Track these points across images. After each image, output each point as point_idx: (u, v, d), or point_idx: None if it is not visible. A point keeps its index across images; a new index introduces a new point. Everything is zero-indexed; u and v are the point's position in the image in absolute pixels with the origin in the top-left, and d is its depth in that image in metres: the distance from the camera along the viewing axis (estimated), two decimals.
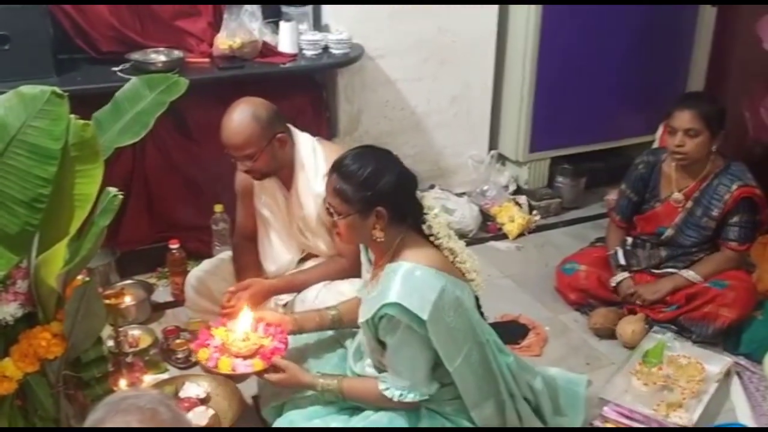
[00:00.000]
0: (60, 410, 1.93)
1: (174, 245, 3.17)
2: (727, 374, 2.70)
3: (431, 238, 2.07)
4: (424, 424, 2.11)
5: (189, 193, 3.44)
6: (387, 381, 2.05)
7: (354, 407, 2.16)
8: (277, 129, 2.49)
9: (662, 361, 2.73)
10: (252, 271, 2.75)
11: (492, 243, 3.72)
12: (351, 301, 2.36)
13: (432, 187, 3.91)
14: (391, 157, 2.05)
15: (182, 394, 2.52)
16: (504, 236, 3.77)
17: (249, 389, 2.62)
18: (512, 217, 3.78)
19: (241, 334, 2.19)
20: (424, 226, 2.07)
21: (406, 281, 1.96)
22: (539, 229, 3.86)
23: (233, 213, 3.21)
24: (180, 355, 2.78)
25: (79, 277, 1.83)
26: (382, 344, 2.03)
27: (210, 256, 3.20)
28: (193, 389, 2.54)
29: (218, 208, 3.27)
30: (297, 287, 2.68)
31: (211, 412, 2.41)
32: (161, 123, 3.12)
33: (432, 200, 2.14)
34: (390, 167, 1.99)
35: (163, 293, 3.26)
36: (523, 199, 3.91)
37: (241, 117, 2.42)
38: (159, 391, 1.55)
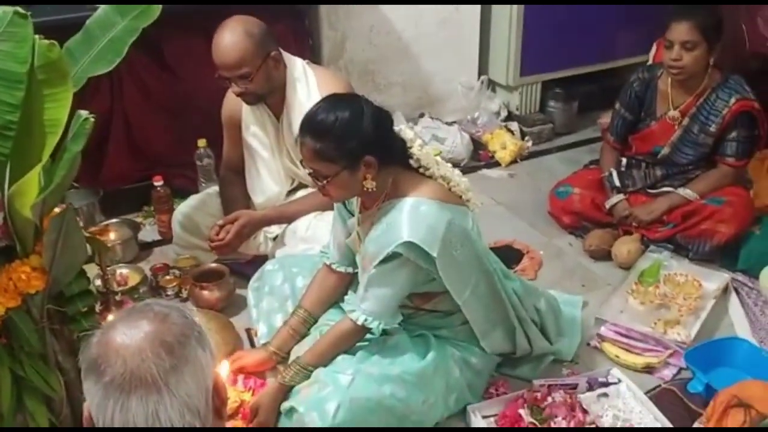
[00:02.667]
0: (46, 346, 1.88)
1: (158, 182, 3.09)
2: (725, 290, 2.67)
3: (421, 170, 2.01)
4: (433, 350, 2.08)
5: (170, 128, 3.35)
6: (352, 304, 2.02)
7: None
8: (271, 47, 2.42)
9: (659, 280, 2.70)
10: (239, 204, 2.70)
11: (484, 171, 3.66)
12: (314, 285, 2.29)
13: (422, 115, 3.82)
14: (359, 99, 1.95)
15: None
16: (496, 164, 3.70)
17: (241, 322, 2.59)
18: (504, 144, 3.70)
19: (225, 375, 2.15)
20: (411, 161, 2.01)
21: (413, 217, 1.90)
22: (532, 155, 3.79)
23: (217, 148, 3.15)
24: (170, 292, 2.74)
25: (57, 209, 1.75)
26: None
27: (196, 192, 3.15)
28: None
29: (201, 143, 3.19)
30: (288, 218, 2.63)
31: None
32: (137, 57, 3.08)
33: (411, 133, 2.06)
34: (363, 110, 1.89)
35: (150, 232, 3.20)
36: (514, 125, 3.83)
37: (234, 34, 2.35)
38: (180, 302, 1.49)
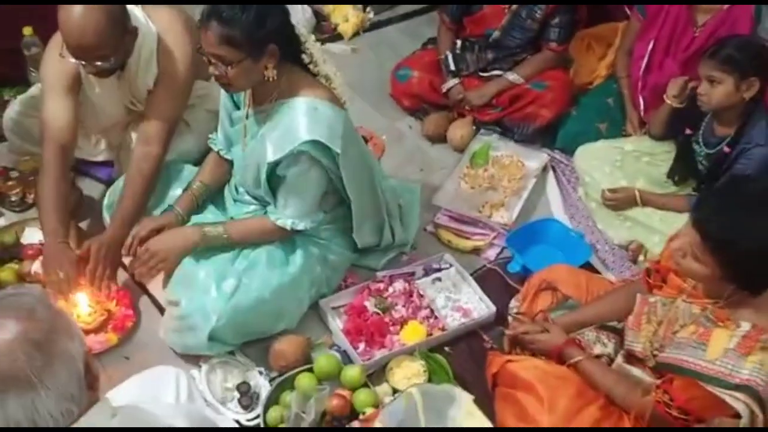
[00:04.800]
0: None
1: None
2: (545, 170, 2.98)
3: (310, 66, 2.09)
4: (299, 251, 2.26)
5: None
6: (277, 212, 2.15)
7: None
8: (127, 20, 2.23)
9: (488, 161, 2.97)
10: (61, 212, 2.33)
11: (327, 46, 3.64)
12: (207, 165, 2.38)
13: None
14: None
15: (24, 240, 2.51)
16: (339, 37, 3.73)
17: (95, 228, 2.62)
18: (346, 16, 3.72)
19: (86, 309, 2.20)
20: (305, 56, 2.07)
21: (312, 117, 2.01)
22: (373, 27, 3.83)
23: (44, 35, 3.00)
24: (14, 198, 2.69)
25: None
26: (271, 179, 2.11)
27: (26, 81, 3.02)
28: (36, 234, 2.51)
29: (27, 31, 3.00)
30: (134, 218, 2.38)
31: None
32: None
33: (305, 30, 2.12)
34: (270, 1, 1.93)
35: None
36: None
37: (90, 11, 2.11)
38: (41, 289, 1.53)
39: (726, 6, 2.79)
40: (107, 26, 2.15)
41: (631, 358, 1.92)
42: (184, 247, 2.21)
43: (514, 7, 3.03)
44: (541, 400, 1.85)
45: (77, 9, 2.13)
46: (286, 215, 2.16)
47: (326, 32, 3.74)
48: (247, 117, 2.19)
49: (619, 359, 1.95)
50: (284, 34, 2.02)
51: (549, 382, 1.88)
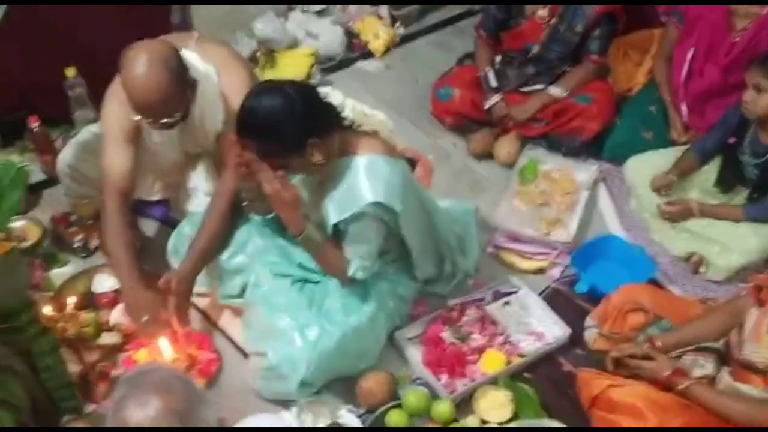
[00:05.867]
0: None
1: (34, 124, 2.92)
2: (595, 183, 3.01)
3: (353, 127, 2.11)
4: (371, 290, 2.30)
5: (31, 57, 3.10)
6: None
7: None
8: (186, 74, 2.23)
9: (537, 176, 3.00)
10: (132, 258, 2.36)
11: (360, 64, 3.69)
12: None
13: (292, 8, 3.73)
14: (282, 86, 1.99)
15: (96, 289, 2.52)
16: (370, 54, 3.74)
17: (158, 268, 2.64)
18: (377, 33, 3.73)
19: (171, 356, 2.23)
20: (345, 122, 2.09)
21: (371, 176, 2.05)
22: (403, 41, 3.85)
23: (89, 74, 3.01)
24: (77, 245, 2.71)
25: None
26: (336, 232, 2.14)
27: (69, 121, 3.05)
28: (106, 282, 2.53)
29: (70, 72, 3.01)
30: (210, 254, 2.42)
31: None
32: None
33: (339, 95, 2.13)
34: (291, 96, 1.94)
35: (33, 172, 3.04)
36: (384, 10, 3.84)
37: (153, 71, 2.11)
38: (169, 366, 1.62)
39: (765, 11, 2.82)
40: (170, 85, 2.16)
41: (741, 373, 1.96)
42: (287, 218, 2.14)
43: (553, 21, 3.05)
44: (649, 428, 1.89)
45: (140, 70, 2.13)
46: (353, 266, 2.18)
47: (357, 50, 3.75)
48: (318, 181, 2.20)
49: (727, 378, 1.99)
50: (317, 122, 2.00)
51: (658, 409, 1.92)
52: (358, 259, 2.17)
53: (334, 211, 2.09)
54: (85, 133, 2.75)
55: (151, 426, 1.26)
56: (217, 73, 2.35)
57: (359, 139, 2.12)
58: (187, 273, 2.33)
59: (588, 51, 3.09)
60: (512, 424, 2.06)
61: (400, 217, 2.12)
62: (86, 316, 2.41)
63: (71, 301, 2.38)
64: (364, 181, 2.05)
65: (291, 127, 1.94)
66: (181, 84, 2.19)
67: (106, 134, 2.42)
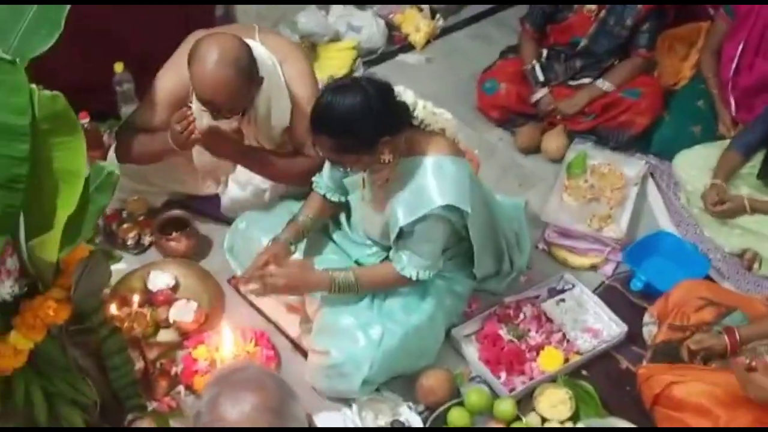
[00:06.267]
0: (68, 357, 1.93)
1: (84, 120, 2.92)
2: (644, 178, 3.00)
3: (421, 126, 2.10)
4: (430, 288, 2.29)
5: (79, 52, 3.10)
6: (402, 262, 2.16)
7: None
8: (255, 71, 2.24)
9: (585, 170, 2.98)
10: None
11: (401, 57, 3.68)
12: (312, 202, 2.39)
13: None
14: (360, 82, 1.99)
15: (151, 286, 2.54)
16: (411, 47, 3.73)
17: (213, 266, 2.65)
18: (417, 26, 3.71)
19: (230, 353, 2.24)
20: (415, 121, 2.09)
21: (440, 178, 2.05)
22: (442, 33, 3.82)
23: (135, 69, 3.02)
24: (130, 242, 2.72)
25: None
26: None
27: (116, 116, 3.05)
28: (161, 279, 2.55)
29: (119, 67, 3.03)
30: (255, 168, 2.51)
31: (193, 304, 2.46)
32: None
33: (411, 94, 2.12)
34: (369, 93, 1.94)
35: None
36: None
37: (222, 68, 2.13)
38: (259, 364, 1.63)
39: None
40: (238, 84, 2.17)
41: None
42: (311, 290, 2.25)
43: (602, 14, 3.02)
44: (718, 424, 1.89)
45: (211, 65, 2.14)
46: (412, 266, 2.16)
47: (397, 43, 3.74)
48: (377, 181, 2.19)
49: None
50: (391, 121, 2.01)
51: (725, 405, 1.92)
52: (419, 259, 2.16)
53: (403, 213, 2.09)
54: None
55: (248, 424, 1.26)
56: (280, 64, 2.36)
57: (427, 139, 2.11)
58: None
59: (636, 45, 3.07)
60: (580, 424, 2.06)
61: (468, 218, 2.12)
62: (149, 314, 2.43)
63: (136, 299, 2.39)
64: (433, 183, 2.05)
65: (367, 125, 1.94)
66: (248, 82, 2.21)
67: (152, 94, 2.45)
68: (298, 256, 2.36)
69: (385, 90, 2.01)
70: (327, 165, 2.35)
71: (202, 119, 2.41)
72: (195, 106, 2.34)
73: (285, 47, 2.43)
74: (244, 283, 2.26)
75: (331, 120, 1.94)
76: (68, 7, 1.92)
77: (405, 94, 2.10)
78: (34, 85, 1.53)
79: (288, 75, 2.37)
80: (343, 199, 2.39)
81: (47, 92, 1.53)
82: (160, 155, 2.46)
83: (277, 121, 2.39)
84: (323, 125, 1.96)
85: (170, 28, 2.77)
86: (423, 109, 2.12)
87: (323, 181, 2.37)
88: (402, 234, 2.14)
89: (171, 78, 2.42)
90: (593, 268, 2.69)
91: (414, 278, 2.16)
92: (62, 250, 1.61)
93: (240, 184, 2.66)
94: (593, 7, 3.03)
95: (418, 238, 2.12)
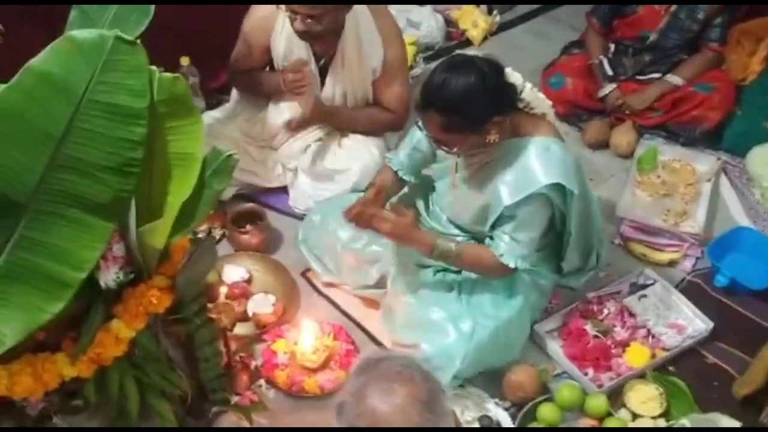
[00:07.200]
0: (159, 345, 1.90)
1: None
2: (717, 174, 2.95)
3: (526, 109, 2.07)
4: (516, 281, 2.24)
5: (147, 45, 3.09)
6: (501, 248, 2.10)
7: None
8: None
9: (656, 166, 2.93)
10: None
11: (460, 53, 3.64)
12: (385, 175, 2.38)
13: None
14: (474, 61, 1.95)
15: (226, 278, 2.51)
16: (468, 42, 3.70)
17: (286, 260, 2.62)
18: (475, 21, 3.68)
19: (310, 347, 2.22)
20: (521, 104, 2.05)
21: (546, 158, 2.00)
22: (499, 29, 3.79)
23: (201, 65, 3.00)
24: (201, 235, 2.66)
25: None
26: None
27: None
28: (235, 272, 2.52)
29: (185, 60, 3.00)
30: (339, 121, 2.66)
31: (271, 297, 2.43)
32: None
33: (518, 76, 2.08)
34: (483, 72, 1.90)
35: None
36: None
37: None
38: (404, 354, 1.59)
39: None
40: None
41: None
42: (410, 244, 2.15)
43: (673, 8, 2.98)
44: None
45: None
46: (514, 254, 2.10)
47: (455, 38, 3.71)
48: (458, 155, 2.15)
49: None
50: (502, 101, 1.98)
51: None
52: (518, 246, 2.09)
53: (508, 192, 2.03)
54: (206, 117, 2.75)
55: (400, 418, 1.23)
56: (372, 14, 2.46)
57: (532, 121, 2.08)
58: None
59: (707, 39, 3.02)
60: (681, 423, 2.01)
61: (573, 201, 2.07)
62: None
63: (223, 290, 2.37)
64: (538, 164, 2.01)
65: (481, 103, 1.91)
66: None
67: (243, 44, 2.63)
68: None
69: (498, 69, 1.97)
70: (407, 142, 2.33)
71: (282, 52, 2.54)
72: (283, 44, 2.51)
73: (380, 7, 2.56)
74: (348, 213, 2.19)
75: (446, 97, 1.90)
76: None
77: (513, 75, 2.06)
78: (154, 67, 1.50)
79: (380, 26, 2.48)
80: (413, 179, 2.36)
81: (168, 74, 1.50)
82: (275, 93, 2.64)
83: (368, 59, 2.47)
84: (437, 102, 1.92)
85: (235, 23, 2.76)
86: (529, 91, 2.08)
87: (398, 158, 2.34)
88: (501, 219, 2.09)
89: (257, 16, 2.56)
90: (672, 263, 2.64)
91: (512, 266, 2.11)
92: (173, 236, 1.58)
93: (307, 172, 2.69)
94: None
95: (519, 224, 2.06)
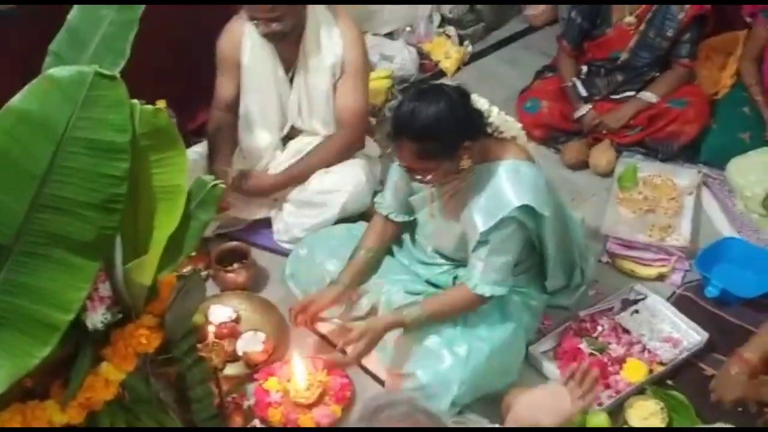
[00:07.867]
0: (150, 387, 1.85)
1: None
2: (698, 187, 2.97)
3: (495, 134, 2.07)
4: (508, 304, 2.23)
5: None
6: (474, 278, 2.09)
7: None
8: None
9: (637, 183, 2.95)
10: (224, 154, 2.71)
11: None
12: (373, 230, 2.35)
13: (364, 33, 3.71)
14: (441, 88, 1.97)
15: (213, 319, 2.46)
16: (441, 73, 3.73)
17: (271, 296, 2.58)
18: (447, 53, 3.72)
19: (303, 383, 2.19)
20: (489, 128, 2.06)
21: (516, 180, 2.00)
22: (472, 59, 3.83)
23: (178, 106, 2.99)
24: (185, 274, 2.64)
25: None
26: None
27: None
28: (222, 312, 2.48)
29: (161, 103, 2.95)
30: (297, 178, 2.66)
31: (261, 335, 2.39)
32: None
33: (485, 101, 2.08)
34: (451, 99, 1.91)
35: None
36: (451, 30, 3.83)
37: None
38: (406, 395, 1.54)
39: None
40: None
41: None
42: (380, 338, 2.14)
43: (642, 27, 3.03)
44: None
45: None
46: (486, 281, 2.09)
47: (428, 70, 3.73)
48: (432, 184, 2.14)
49: None
50: (471, 126, 1.99)
51: None
52: (492, 272, 2.08)
53: (481, 219, 2.03)
54: (190, 153, 2.72)
55: None
56: (333, 13, 2.55)
57: (501, 145, 2.08)
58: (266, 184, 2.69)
59: (678, 56, 3.07)
60: None
61: (545, 223, 2.07)
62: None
63: (211, 329, 2.32)
64: (509, 186, 2.01)
65: (452, 129, 1.91)
66: None
67: (218, 65, 2.70)
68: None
69: (464, 95, 1.98)
70: (389, 184, 2.32)
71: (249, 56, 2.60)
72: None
73: (341, 9, 2.60)
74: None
75: (418, 125, 1.90)
76: (132, 34, 1.89)
77: (479, 101, 2.07)
78: (135, 101, 1.49)
79: (342, 25, 2.54)
80: (407, 218, 2.34)
81: (149, 107, 1.49)
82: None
83: (328, 51, 2.52)
84: (409, 131, 1.92)
85: (212, 63, 2.76)
86: (497, 115, 2.08)
87: (386, 201, 2.33)
88: (477, 245, 2.08)
89: (223, 42, 2.64)
90: (661, 278, 2.64)
91: (486, 295, 2.09)
92: (161, 271, 1.55)
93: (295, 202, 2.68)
94: (632, 20, 3.03)
95: (492, 249, 2.05)
